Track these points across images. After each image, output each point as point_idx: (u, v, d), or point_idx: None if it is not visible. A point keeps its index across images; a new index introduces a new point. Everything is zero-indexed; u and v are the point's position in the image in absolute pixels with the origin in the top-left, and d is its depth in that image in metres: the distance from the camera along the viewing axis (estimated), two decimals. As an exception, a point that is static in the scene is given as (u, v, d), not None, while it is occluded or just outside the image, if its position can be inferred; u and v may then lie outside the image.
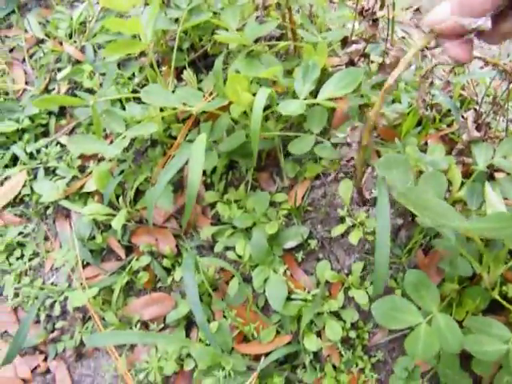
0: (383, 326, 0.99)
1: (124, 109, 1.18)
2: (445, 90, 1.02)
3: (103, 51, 1.12)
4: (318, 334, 1.01)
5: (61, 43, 1.47)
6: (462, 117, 1.06)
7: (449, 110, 1.20)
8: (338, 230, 1.03)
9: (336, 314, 1.02)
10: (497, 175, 1.08)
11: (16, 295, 1.20)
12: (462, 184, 0.99)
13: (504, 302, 0.88)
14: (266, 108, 0.92)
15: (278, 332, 1.03)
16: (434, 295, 0.87)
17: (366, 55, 1.10)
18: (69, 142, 1.00)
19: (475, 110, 1.05)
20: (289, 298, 1.01)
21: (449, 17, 0.58)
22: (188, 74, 1.15)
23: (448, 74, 1.16)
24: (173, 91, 1.05)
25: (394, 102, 1.19)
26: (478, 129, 1.04)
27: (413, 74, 1.32)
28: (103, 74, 1.35)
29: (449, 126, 1.21)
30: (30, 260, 1.25)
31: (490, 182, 0.90)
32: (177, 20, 1.17)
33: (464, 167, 1.05)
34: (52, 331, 1.16)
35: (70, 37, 1.48)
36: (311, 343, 0.99)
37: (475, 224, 0.69)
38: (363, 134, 0.75)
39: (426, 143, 1.16)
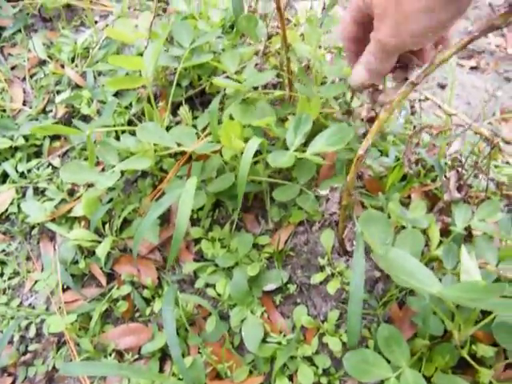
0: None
1: (118, 138, 1.20)
2: (430, 152, 1.06)
3: (105, 83, 1.15)
4: (290, 378, 1.02)
5: (62, 66, 1.49)
6: (445, 176, 1.10)
7: (433, 166, 1.24)
8: (317, 278, 1.05)
9: (309, 359, 1.03)
10: (474, 233, 1.11)
11: (-9, 314, 1.19)
12: (440, 242, 1.02)
13: (472, 362, 0.90)
14: (256, 154, 0.95)
15: (250, 372, 1.04)
16: (405, 351, 0.89)
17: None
18: (62, 171, 1.01)
19: (457, 171, 1.09)
20: (264, 340, 1.03)
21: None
22: (184, 110, 1.18)
23: (435, 133, 1.20)
24: (168, 127, 1.08)
25: (381, 154, 1.23)
26: (459, 189, 1.08)
27: (402, 128, 1.37)
28: (101, 101, 1.38)
29: (433, 180, 1.24)
30: (9, 279, 1.24)
31: (467, 244, 0.94)
32: (177, 57, 1.21)
33: (443, 225, 1.09)
34: (24, 353, 1.15)
35: (73, 61, 1.50)
36: (283, 386, 1.00)
37: (449, 291, 0.72)
38: (343, 194, 0.78)
39: (409, 196, 1.20)
